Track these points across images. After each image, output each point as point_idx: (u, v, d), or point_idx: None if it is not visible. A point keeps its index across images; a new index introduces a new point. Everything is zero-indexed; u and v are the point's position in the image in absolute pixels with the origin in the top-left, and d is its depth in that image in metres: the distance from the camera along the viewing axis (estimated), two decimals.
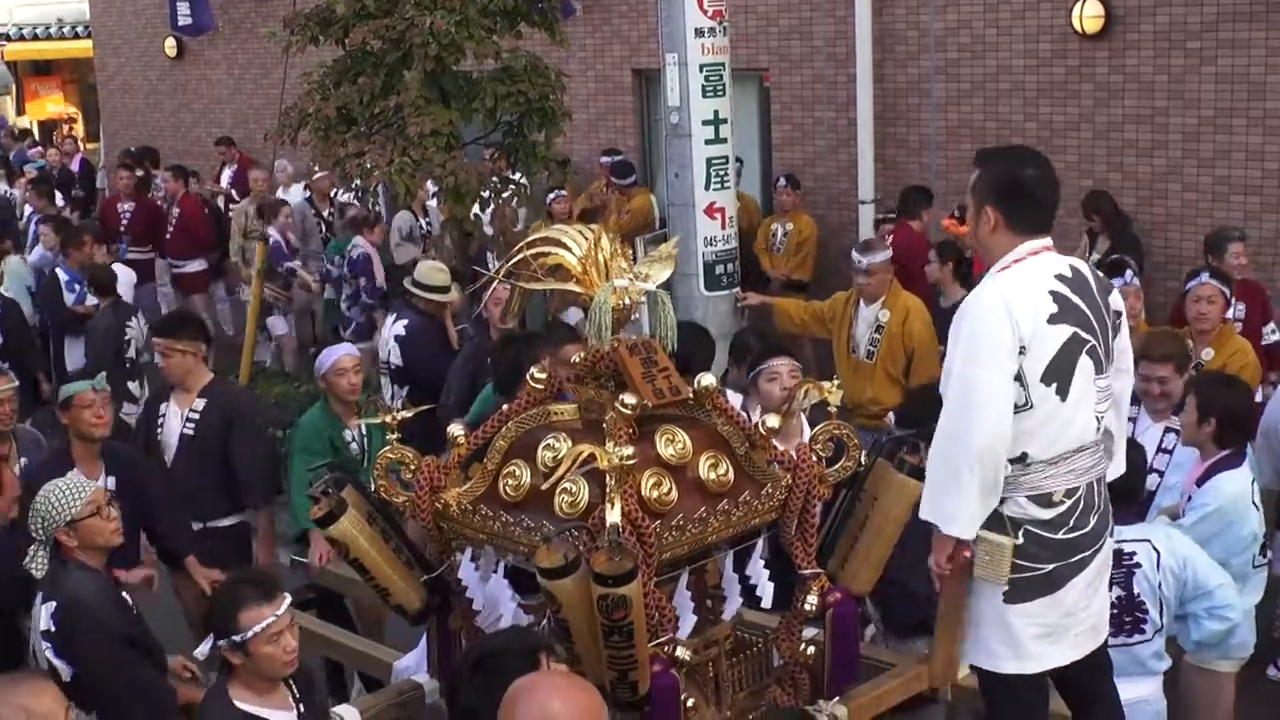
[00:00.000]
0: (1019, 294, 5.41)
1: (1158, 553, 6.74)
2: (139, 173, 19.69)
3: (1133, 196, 13.58)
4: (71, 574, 6.54)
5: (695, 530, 5.37)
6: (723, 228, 11.49)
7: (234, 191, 20.26)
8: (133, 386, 13.84)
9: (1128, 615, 6.75)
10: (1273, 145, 12.81)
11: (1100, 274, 5.81)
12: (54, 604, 6.40)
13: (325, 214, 17.56)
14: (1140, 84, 13.54)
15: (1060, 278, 5.49)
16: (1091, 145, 13.80)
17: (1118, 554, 6.64)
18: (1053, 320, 5.40)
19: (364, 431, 9.21)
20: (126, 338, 13.67)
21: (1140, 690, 6.82)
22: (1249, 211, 12.96)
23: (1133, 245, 12.60)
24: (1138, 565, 6.73)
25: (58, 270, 14.79)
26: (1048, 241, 5.61)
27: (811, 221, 15.41)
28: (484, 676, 4.74)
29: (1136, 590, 6.75)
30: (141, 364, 13.96)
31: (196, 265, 18.37)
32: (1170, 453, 8.09)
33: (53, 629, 6.37)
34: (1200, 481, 7.60)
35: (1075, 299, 5.46)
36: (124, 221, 18.67)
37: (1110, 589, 6.61)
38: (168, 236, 18.37)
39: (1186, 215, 13.43)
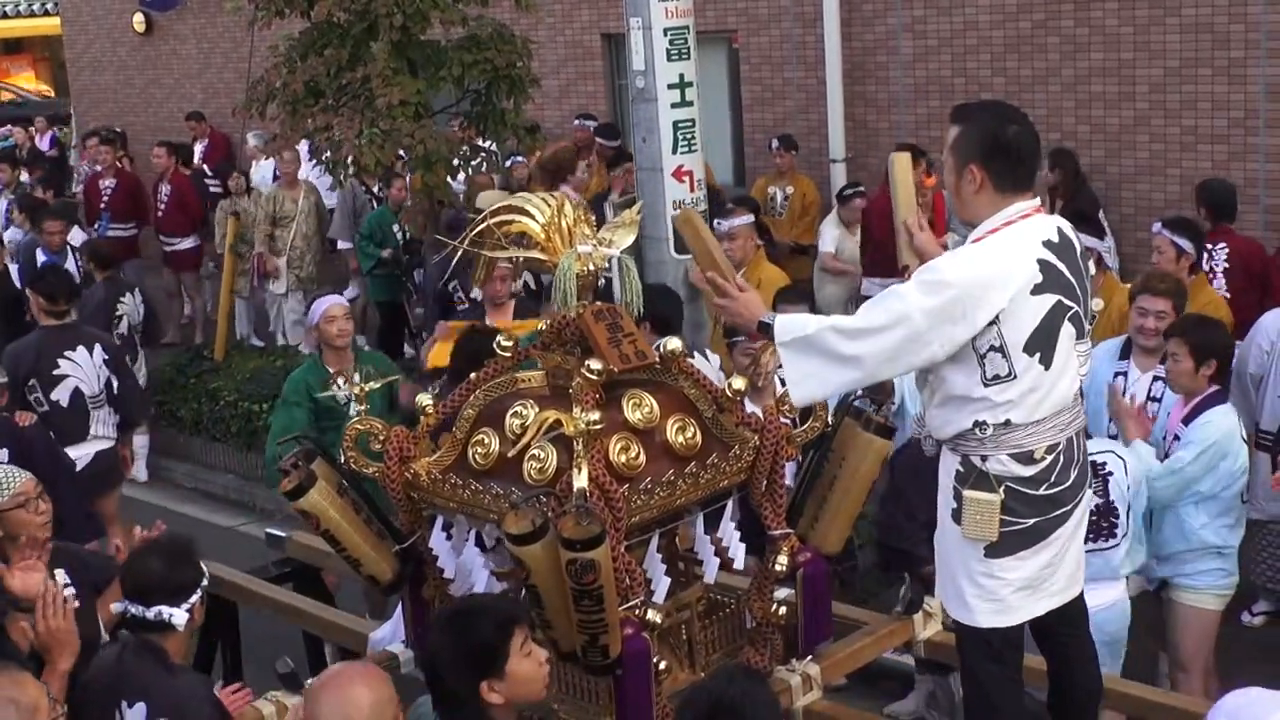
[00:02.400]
0: (1003, 266, 5.31)
1: (1123, 460, 7.20)
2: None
3: (1101, 149, 13.62)
4: None
5: (664, 494, 5.41)
6: (691, 190, 11.51)
7: (206, 167, 20.19)
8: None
9: (1104, 521, 7.08)
10: (1238, 94, 12.84)
11: (1080, 235, 5.76)
12: None
13: (375, 189, 17.14)
14: (1106, 36, 13.56)
15: (1048, 244, 5.40)
16: (1059, 99, 13.83)
17: (1092, 465, 6.77)
18: (1037, 290, 5.32)
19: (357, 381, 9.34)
20: (119, 313, 13.70)
21: (1109, 595, 7.23)
22: (1216, 161, 12.99)
23: (1090, 204, 12.62)
24: (1110, 473, 7.11)
25: (37, 252, 14.81)
26: (1036, 202, 5.52)
27: (812, 183, 15.34)
28: (454, 629, 4.82)
29: (1112, 496, 7.12)
30: (134, 340, 13.99)
31: (189, 243, 18.26)
32: (1159, 401, 8.15)
33: None
34: (1188, 420, 7.71)
35: (1060, 266, 5.39)
36: (105, 198, 18.61)
37: None
38: (159, 213, 18.25)
39: (1155, 166, 13.47)
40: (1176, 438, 7.72)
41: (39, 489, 6.78)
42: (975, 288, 5.26)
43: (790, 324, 5.49)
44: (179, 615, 5.66)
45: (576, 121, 17.28)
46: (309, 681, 6.12)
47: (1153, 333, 8.23)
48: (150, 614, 5.63)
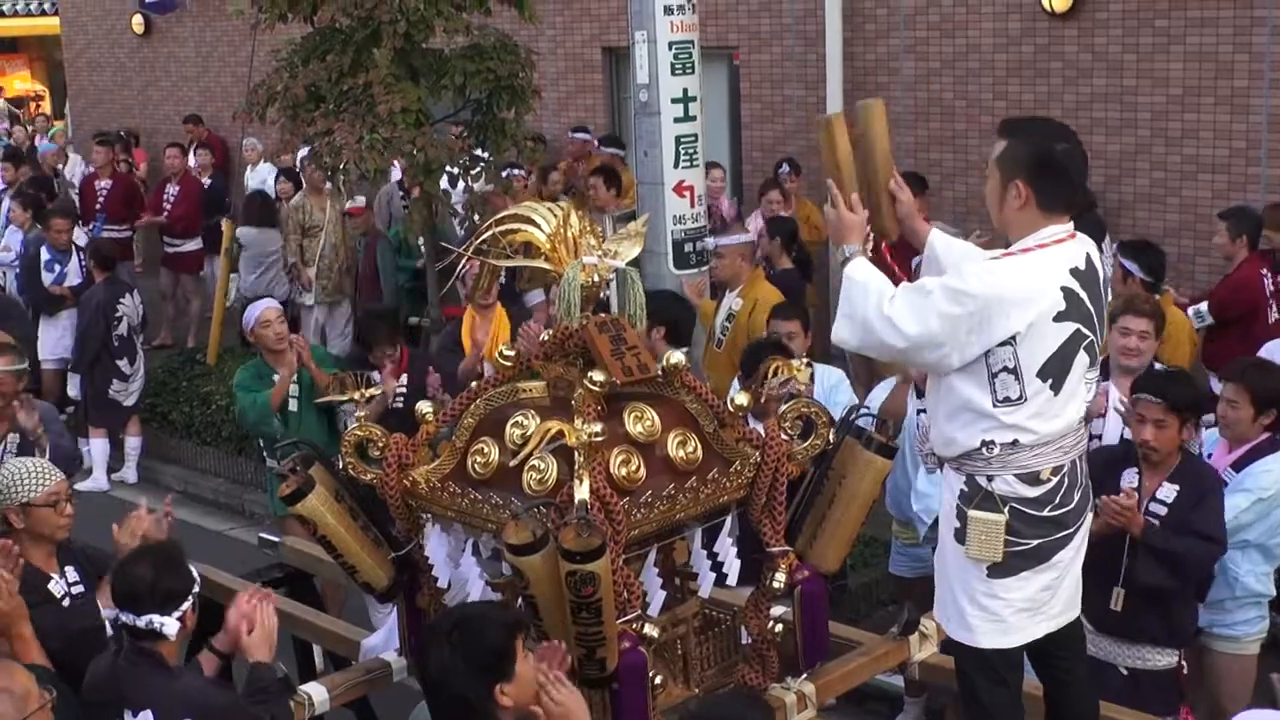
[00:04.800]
0: (1028, 287, 5.32)
1: None
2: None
3: (1101, 175, 13.60)
4: None
5: (663, 508, 5.39)
6: (691, 206, 11.50)
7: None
8: (122, 364, 13.86)
9: None
10: (1240, 124, 12.84)
11: (1103, 261, 5.72)
12: None
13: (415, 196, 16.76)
14: (1109, 62, 13.56)
15: (1074, 272, 5.40)
16: None
17: None
18: (1059, 318, 5.33)
19: (294, 378, 10.10)
20: (118, 314, 13.69)
21: None
22: (1217, 190, 12.99)
23: (1095, 227, 12.59)
24: None
25: (42, 250, 14.80)
26: (1070, 227, 5.50)
27: (817, 208, 15.10)
28: (464, 636, 4.81)
29: None
30: (134, 341, 13.95)
31: (193, 244, 18.21)
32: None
33: None
34: (1239, 465, 7.56)
35: (1082, 294, 5.39)
36: (100, 199, 18.58)
37: None
38: (166, 213, 18.18)
39: (1155, 194, 13.46)
40: (1223, 482, 7.53)
41: (70, 491, 6.81)
42: (995, 302, 5.27)
43: (860, 269, 5.54)
44: (170, 624, 5.64)
45: (572, 134, 17.28)
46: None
47: (1135, 352, 8.20)
48: (141, 623, 5.60)
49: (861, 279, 5.51)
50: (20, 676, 4.93)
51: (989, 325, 5.27)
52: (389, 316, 11.00)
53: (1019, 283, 5.33)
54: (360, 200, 15.38)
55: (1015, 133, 5.56)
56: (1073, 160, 5.49)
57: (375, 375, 9.73)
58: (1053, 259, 5.39)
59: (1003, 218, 5.56)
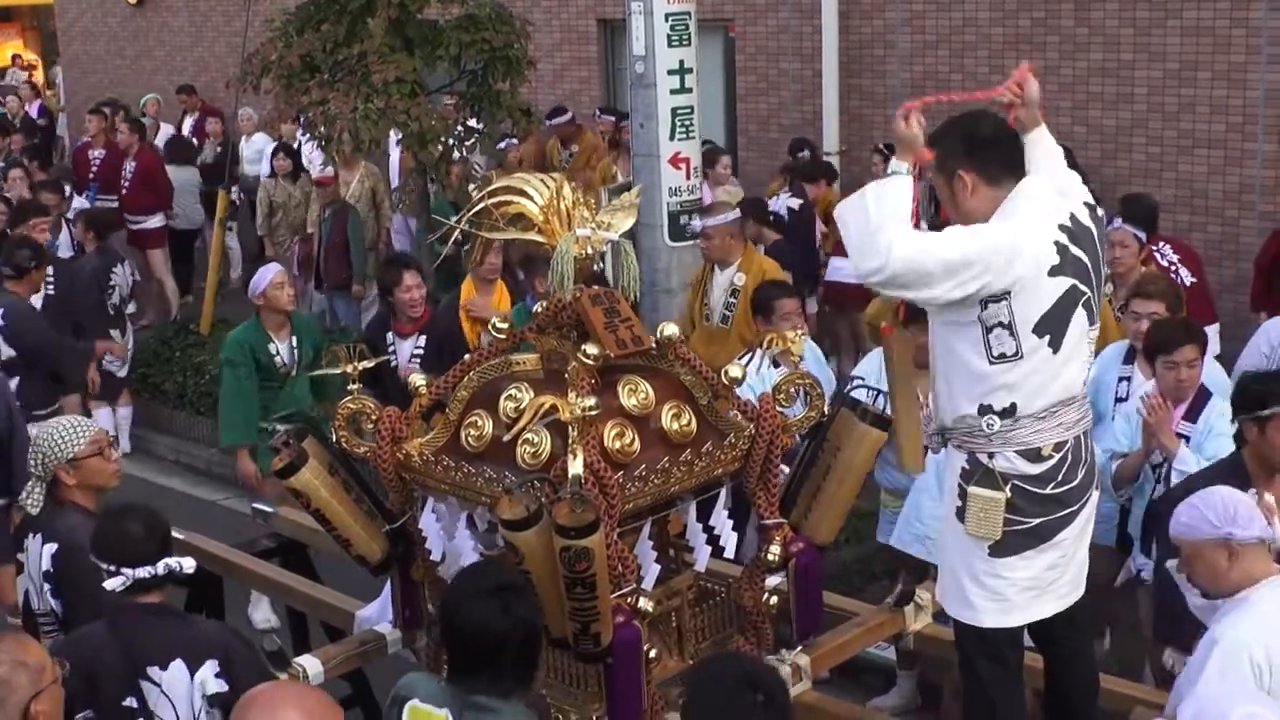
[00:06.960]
0: (1027, 238, 5.29)
1: None
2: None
3: (1098, 150, 13.58)
4: (69, 516, 6.51)
5: (658, 481, 5.37)
6: (687, 178, 11.47)
7: (195, 140, 20.08)
8: (114, 334, 13.77)
9: None
10: (1236, 99, 12.82)
11: (1100, 217, 5.70)
12: (54, 546, 6.38)
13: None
14: (1106, 37, 13.53)
15: (1064, 227, 5.38)
16: (1056, 98, 13.76)
17: None
18: (1054, 273, 5.31)
19: (294, 344, 10.14)
20: (111, 284, 13.60)
21: None
22: (1213, 165, 12.98)
23: None
24: None
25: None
26: (1040, 179, 5.51)
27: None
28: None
29: None
30: (125, 312, 13.88)
31: (156, 221, 17.99)
32: (1130, 380, 8.13)
33: (51, 570, 6.38)
34: (1191, 415, 7.59)
35: (1075, 250, 5.37)
36: (93, 169, 18.48)
37: None
38: (124, 191, 17.99)
39: (1151, 169, 13.44)
40: (1185, 438, 7.55)
41: (111, 438, 6.90)
42: (1008, 249, 5.25)
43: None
44: (187, 562, 5.68)
45: (551, 120, 17.02)
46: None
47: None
48: (160, 569, 5.59)
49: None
50: (35, 650, 4.94)
51: (1006, 267, 5.24)
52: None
53: (1016, 231, 5.31)
54: (329, 170, 15.23)
55: (935, 140, 5.57)
56: (999, 128, 5.54)
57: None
58: (1039, 212, 5.39)
59: (964, 215, 5.51)
